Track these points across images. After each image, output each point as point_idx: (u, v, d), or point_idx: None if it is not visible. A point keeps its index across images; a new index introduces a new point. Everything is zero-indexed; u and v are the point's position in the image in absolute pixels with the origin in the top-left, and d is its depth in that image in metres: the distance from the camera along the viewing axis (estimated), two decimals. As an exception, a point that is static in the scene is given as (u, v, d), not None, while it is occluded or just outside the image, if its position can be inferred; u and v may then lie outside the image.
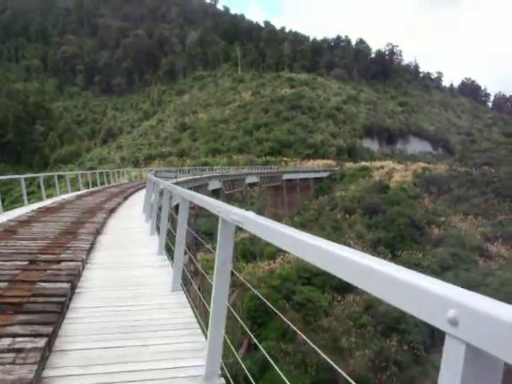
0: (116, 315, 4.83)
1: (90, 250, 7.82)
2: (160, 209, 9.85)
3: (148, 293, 5.72)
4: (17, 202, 76.85)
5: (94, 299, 5.39)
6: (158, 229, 9.80)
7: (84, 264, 6.89)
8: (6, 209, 16.17)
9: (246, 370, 3.46)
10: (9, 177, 22.60)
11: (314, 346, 2.99)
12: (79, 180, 29.07)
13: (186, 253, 6.58)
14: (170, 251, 8.33)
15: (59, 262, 6.39)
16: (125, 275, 6.61)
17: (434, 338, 35.35)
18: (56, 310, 4.34)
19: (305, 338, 3.43)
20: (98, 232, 9.73)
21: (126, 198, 20.45)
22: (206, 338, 3.61)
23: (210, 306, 3.43)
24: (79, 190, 26.57)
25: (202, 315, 6.44)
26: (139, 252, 8.46)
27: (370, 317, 37.86)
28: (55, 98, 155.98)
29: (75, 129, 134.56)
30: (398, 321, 35.71)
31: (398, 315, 35.79)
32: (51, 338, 3.81)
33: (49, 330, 3.82)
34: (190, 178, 36.28)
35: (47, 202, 16.81)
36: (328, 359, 2.62)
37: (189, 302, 5.40)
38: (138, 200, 19.46)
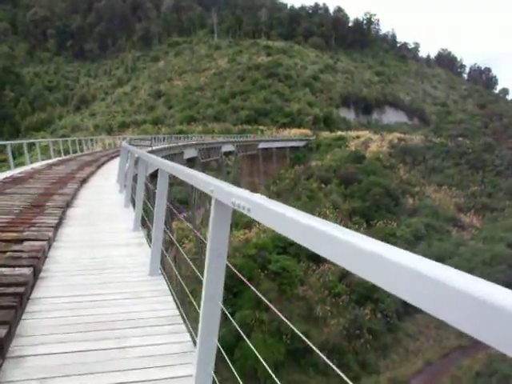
0: (86, 307, 4.17)
1: (57, 226, 7.15)
2: (135, 179, 9.04)
3: (123, 278, 5.10)
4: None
5: (61, 287, 4.72)
6: (132, 201, 9.12)
7: (50, 243, 6.22)
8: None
9: (218, 344, 2.75)
10: None
11: (284, 318, 2.82)
12: (50, 148, 27.54)
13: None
14: (145, 226, 8.09)
15: (22, 241, 5.68)
16: (96, 256, 5.97)
17: (407, 306, 35.73)
18: (12, 305, 3.62)
19: (276, 310, 3.13)
20: (67, 205, 9.05)
21: (99, 167, 19.52)
22: (192, 338, 3.25)
23: (191, 294, 3.13)
24: (50, 158, 25.28)
25: (183, 303, 5.90)
26: (113, 228, 7.82)
27: (344, 286, 38.21)
28: (26, 63, 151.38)
29: (47, 95, 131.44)
30: (372, 290, 36.01)
31: (373, 284, 35.84)
32: (4, 342, 3.13)
33: (1, 332, 3.14)
34: (166, 146, 35.62)
35: (15, 172, 15.64)
36: (297, 330, 2.51)
37: (169, 289, 4.79)
38: (112, 169, 18.63)
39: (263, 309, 34.35)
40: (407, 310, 35.75)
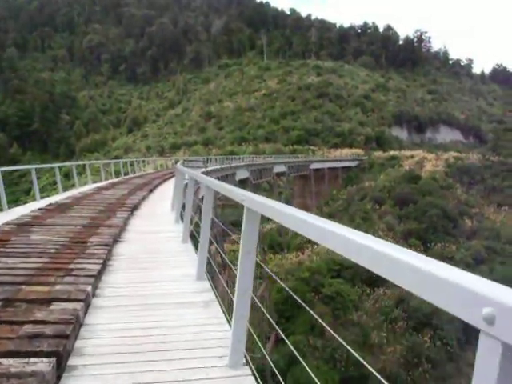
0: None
1: (100, 274, 5.59)
2: (194, 208, 9.33)
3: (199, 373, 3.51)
4: (43, 191, 77.43)
5: None
6: (193, 237, 8.64)
7: (89, 301, 4.64)
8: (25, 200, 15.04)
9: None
10: (19, 167, 21.11)
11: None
12: (101, 170, 27.19)
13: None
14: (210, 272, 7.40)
15: (49, 301, 4.13)
16: (151, 322, 4.31)
17: (468, 334, 34.17)
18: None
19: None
20: (114, 241, 7.73)
21: (151, 191, 18.37)
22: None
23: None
24: (101, 180, 24.93)
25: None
26: (171, 275, 6.04)
27: (401, 311, 36.73)
28: (81, 87, 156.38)
29: (101, 118, 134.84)
30: (431, 316, 34.47)
31: (431, 310, 34.65)
32: None
33: None
34: (218, 167, 35.28)
35: (61, 197, 14.60)
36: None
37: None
38: (165, 193, 17.66)
39: (317, 334, 33.40)
40: (469, 337, 33.95)
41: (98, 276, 5.41)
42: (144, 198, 15.22)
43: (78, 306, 4.11)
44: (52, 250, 6.51)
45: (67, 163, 30.74)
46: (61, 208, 11.26)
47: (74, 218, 9.73)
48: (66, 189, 19.41)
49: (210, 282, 5.67)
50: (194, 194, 10.11)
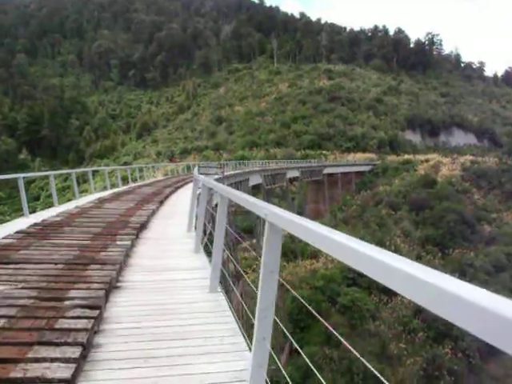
0: None
1: (77, 369, 3.21)
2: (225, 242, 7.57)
3: None
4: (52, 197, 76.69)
5: None
6: (224, 280, 7.67)
7: None
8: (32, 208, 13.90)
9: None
10: (38, 174, 19.70)
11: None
12: (106, 178, 25.30)
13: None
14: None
15: None
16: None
17: (490, 345, 32.59)
18: None
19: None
20: (108, 290, 5.13)
21: (161, 203, 15.62)
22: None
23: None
24: (106, 189, 23.10)
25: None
26: (205, 368, 3.56)
27: (420, 321, 35.56)
28: (90, 92, 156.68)
29: (110, 123, 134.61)
30: (451, 326, 33.11)
31: (452, 320, 33.20)
32: None
33: None
34: (232, 172, 34.18)
35: (51, 213, 11.99)
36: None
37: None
38: (179, 205, 15.66)
39: (333, 345, 32.38)
40: (491, 349, 32.37)
41: (74, 372, 3.12)
42: (153, 213, 12.70)
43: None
44: (27, 302, 4.42)
45: (65, 171, 29.33)
46: (44, 231, 8.83)
47: (55, 248, 7.15)
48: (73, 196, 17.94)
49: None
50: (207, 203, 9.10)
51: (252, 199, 3.76)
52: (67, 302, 4.45)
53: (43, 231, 8.83)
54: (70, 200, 17.94)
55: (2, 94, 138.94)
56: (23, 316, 4.00)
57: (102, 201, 15.27)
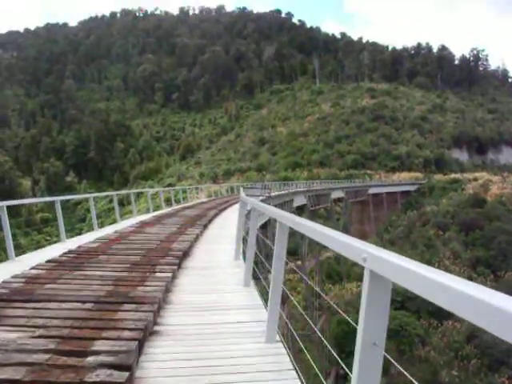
0: None
1: None
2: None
3: None
4: (98, 218, 77.97)
5: None
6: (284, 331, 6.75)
7: None
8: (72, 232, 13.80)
9: None
10: (76, 196, 19.46)
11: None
12: (149, 200, 25.16)
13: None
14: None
15: None
16: None
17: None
18: None
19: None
20: (145, 333, 4.42)
21: (205, 227, 14.67)
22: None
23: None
24: (149, 211, 22.88)
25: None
26: None
27: (473, 347, 33.99)
28: (135, 115, 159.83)
29: (154, 145, 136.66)
30: (508, 353, 31.68)
31: (508, 346, 31.85)
32: None
33: None
34: (277, 193, 33.74)
35: (89, 238, 11.46)
36: None
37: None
38: (224, 229, 14.81)
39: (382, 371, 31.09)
40: (552, 377, 30.93)
41: None
42: (197, 238, 11.85)
43: None
44: (40, 361, 3.60)
45: (104, 193, 29.37)
46: (78, 260, 8.18)
47: (86, 281, 6.44)
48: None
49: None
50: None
51: (343, 237, 2.62)
52: (90, 359, 3.64)
53: (77, 260, 8.16)
54: (113, 222, 17.77)
55: (51, 118, 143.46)
56: (31, 381, 3.24)
57: (143, 224, 14.62)
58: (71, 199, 76.53)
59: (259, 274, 9.38)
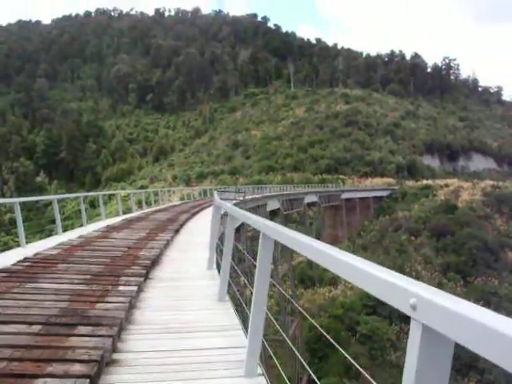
0: None
1: None
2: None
3: None
4: (69, 219, 76.80)
5: None
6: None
7: None
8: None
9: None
10: (41, 198, 18.18)
11: None
12: (119, 203, 24.28)
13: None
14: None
15: None
16: None
17: (519, 378, 31.46)
18: None
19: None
20: (100, 366, 3.63)
21: (177, 232, 14.01)
22: None
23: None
24: (119, 215, 22.07)
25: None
26: None
27: (443, 352, 34.19)
28: (108, 116, 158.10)
29: (127, 147, 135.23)
30: (477, 358, 31.86)
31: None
32: None
33: None
34: (251, 197, 33.41)
35: (51, 243, 10.66)
36: None
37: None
38: (196, 234, 14.15)
39: (352, 376, 31.25)
40: (520, 382, 31.24)
41: None
42: (167, 244, 11.17)
43: None
44: None
45: (66, 195, 28.60)
46: (32, 269, 7.25)
47: (39, 296, 5.58)
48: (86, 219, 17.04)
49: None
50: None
51: (382, 272, 2.23)
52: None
53: (31, 269, 7.18)
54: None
55: (21, 117, 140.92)
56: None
57: (110, 229, 13.81)
58: (35, 201, 74.66)
59: (234, 287, 9.02)
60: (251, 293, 3.92)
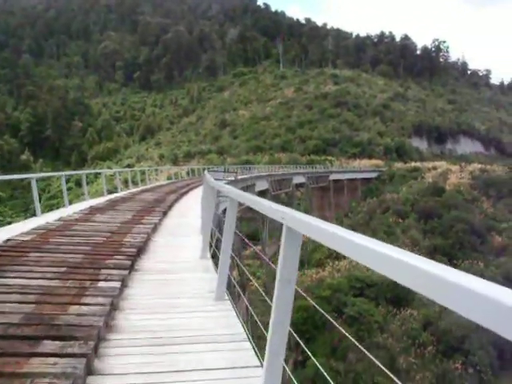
0: None
1: None
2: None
3: None
4: (55, 198, 75.94)
5: None
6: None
7: None
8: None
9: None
10: (19, 176, 17.13)
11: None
12: (103, 182, 23.26)
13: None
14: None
15: None
16: None
17: (503, 359, 31.93)
18: None
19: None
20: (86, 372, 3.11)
21: (165, 214, 13.01)
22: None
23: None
24: (103, 195, 20.68)
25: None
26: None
27: (429, 334, 34.32)
28: (95, 94, 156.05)
29: (114, 125, 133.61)
30: (462, 340, 32.13)
31: (462, 334, 32.45)
32: None
33: None
34: (242, 177, 32.99)
35: (27, 227, 9.32)
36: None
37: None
38: (186, 216, 13.40)
39: (339, 358, 31.23)
40: (504, 363, 31.55)
41: None
42: (155, 229, 10.19)
43: None
44: None
45: (49, 174, 27.87)
46: (5, 257, 6.28)
47: (8, 290, 4.76)
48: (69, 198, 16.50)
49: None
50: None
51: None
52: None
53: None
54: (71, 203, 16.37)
55: (6, 94, 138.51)
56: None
57: (93, 210, 12.67)
58: (20, 179, 73.66)
59: (235, 284, 8.64)
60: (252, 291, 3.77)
